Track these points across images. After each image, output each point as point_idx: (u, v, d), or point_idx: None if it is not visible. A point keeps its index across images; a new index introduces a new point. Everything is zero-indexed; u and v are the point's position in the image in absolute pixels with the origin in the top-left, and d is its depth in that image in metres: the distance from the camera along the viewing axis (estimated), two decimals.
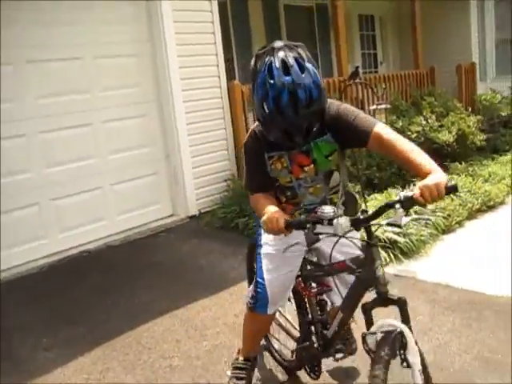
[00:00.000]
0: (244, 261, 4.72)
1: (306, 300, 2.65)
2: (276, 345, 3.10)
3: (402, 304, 2.03)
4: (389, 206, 1.95)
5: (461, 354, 3.13)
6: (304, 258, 2.52)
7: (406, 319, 2.02)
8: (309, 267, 2.55)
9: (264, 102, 2.07)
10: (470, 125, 8.21)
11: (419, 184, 1.88)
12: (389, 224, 1.92)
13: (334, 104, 2.25)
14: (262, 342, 3.08)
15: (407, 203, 1.89)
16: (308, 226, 2.03)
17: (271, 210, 2.12)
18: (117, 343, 3.56)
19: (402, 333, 1.98)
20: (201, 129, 6.09)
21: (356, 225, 2.01)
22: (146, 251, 5.28)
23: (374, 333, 2.02)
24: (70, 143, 5.30)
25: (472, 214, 5.65)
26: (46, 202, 5.18)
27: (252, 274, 2.93)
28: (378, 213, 1.99)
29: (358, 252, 2.24)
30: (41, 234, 5.14)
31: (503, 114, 10.39)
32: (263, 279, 2.51)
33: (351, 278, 2.27)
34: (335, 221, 1.97)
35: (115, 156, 5.67)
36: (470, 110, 9.07)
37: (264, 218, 2.08)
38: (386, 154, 2.26)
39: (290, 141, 2.13)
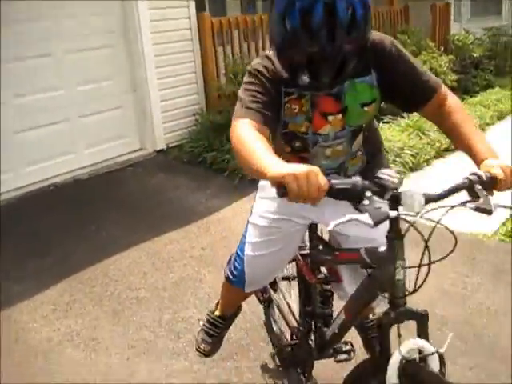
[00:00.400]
0: (212, 195, 4.75)
1: (311, 286, 2.13)
2: (275, 327, 2.64)
3: (423, 319, 1.50)
4: (466, 186, 1.47)
5: (422, 286, 3.21)
6: (314, 234, 1.99)
7: (424, 338, 1.50)
8: (320, 247, 2.01)
9: (286, 16, 1.48)
10: (441, 64, 8.20)
11: (498, 164, 1.48)
12: (477, 209, 1.43)
13: (387, 38, 1.71)
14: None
15: (489, 184, 1.45)
16: (368, 195, 1.37)
17: (290, 165, 1.32)
18: (84, 276, 3.56)
19: (442, 357, 1.46)
20: (169, 61, 5.93)
21: (427, 203, 1.46)
22: (113, 185, 5.22)
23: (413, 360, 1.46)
24: (32, 73, 5.10)
25: (439, 153, 5.71)
26: (8, 135, 5.02)
27: None
28: (451, 192, 1.48)
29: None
30: (5, 168, 5.00)
31: (475, 55, 10.37)
32: (243, 254, 2.05)
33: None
34: (407, 193, 1.41)
35: (81, 88, 5.49)
36: (442, 49, 9.03)
37: (295, 170, 1.28)
38: (435, 122, 1.78)
39: (314, 79, 1.56)
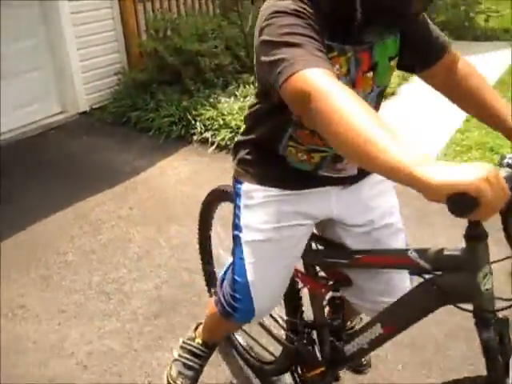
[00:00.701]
0: (137, 155, 4.67)
1: (308, 294, 1.81)
2: (242, 340, 2.39)
3: (506, 324, 1.23)
4: None
5: None
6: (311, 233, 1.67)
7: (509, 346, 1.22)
8: (314, 246, 1.70)
9: None
10: None
11: None
12: None
13: None
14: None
15: None
16: None
17: (462, 165, 0.92)
18: (8, 243, 3.45)
19: None
20: (86, 19, 5.68)
21: None
22: (35, 150, 5.02)
23: None
24: None
25: None
26: None
27: (206, 246, 2.42)
28: None
29: (397, 223, 1.62)
30: None
31: None
32: (247, 281, 1.62)
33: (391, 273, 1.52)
34: None
35: None
36: None
37: (483, 172, 0.89)
38: (444, 87, 1.53)
39: (394, 20, 1.25)
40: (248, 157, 1.58)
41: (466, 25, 12.69)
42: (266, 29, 1.22)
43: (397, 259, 1.40)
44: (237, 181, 1.62)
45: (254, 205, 1.57)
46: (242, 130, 1.69)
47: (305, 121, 1.18)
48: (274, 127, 1.48)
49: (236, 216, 1.63)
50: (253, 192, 1.56)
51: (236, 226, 1.63)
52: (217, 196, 2.17)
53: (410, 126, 5.01)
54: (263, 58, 1.21)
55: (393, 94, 6.37)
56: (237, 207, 1.62)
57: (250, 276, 1.60)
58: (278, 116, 1.39)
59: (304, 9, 1.21)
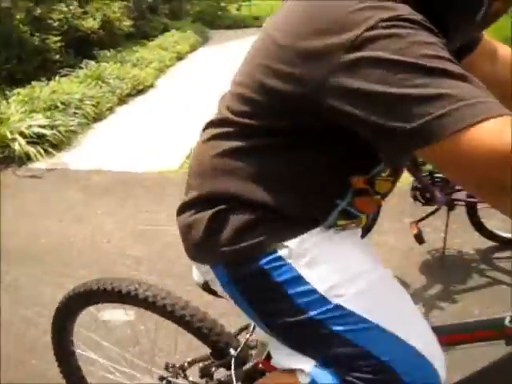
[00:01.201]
0: None
1: None
2: None
3: None
4: None
5: (114, 232, 3.20)
6: None
7: None
8: None
9: None
10: (115, 11, 8.18)
11: None
12: None
13: None
14: None
15: None
16: None
17: None
18: None
19: None
20: None
21: None
22: None
23: None
24: None
25: (122, 99, 5.71)
26: None
27: (71, 368, 1.70)
28: None
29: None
30: None
31: (149, 0, 10.64)
32: (406, 344, 1.00)
33: None
34: None
35: None
36: None
37: None
38: (489, 84, 0.97)
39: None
40: (261, 215, 0.99)
41: (220, 14, 13.41)
42: (379, 41, 0.80)
43: (488, 333, 1.09)
44: (257, 257, 1.00)
45: (317, 255, 1.00)
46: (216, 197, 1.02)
47: (489, 197, 0.77)
48: (317, 203, 0.99)
49: (292, 297, 0.99)
50: (302, 244, 0.99)
51: (303, 307, 0.99)
52: (76, 303, 1.54)
53: (169, 118, 5.07)
54: (378, 87, 0.79)
55: (151, 86, 6.46)
56: (282, 285, 0.99)
57: (410, 339, 1.00)
58: (326, 185, 0.96)
59: (426, 21, 0.83)
